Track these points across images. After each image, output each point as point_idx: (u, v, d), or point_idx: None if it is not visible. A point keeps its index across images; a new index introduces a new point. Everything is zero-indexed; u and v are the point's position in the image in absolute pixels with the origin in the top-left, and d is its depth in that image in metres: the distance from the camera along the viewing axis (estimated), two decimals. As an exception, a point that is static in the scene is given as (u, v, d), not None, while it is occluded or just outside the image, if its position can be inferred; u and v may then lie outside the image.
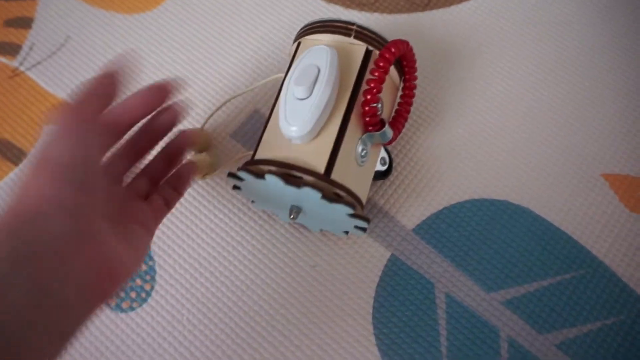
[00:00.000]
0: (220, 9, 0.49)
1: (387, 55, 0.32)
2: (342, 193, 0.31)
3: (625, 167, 0.42)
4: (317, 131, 0.31)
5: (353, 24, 0.34)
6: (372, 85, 0.31)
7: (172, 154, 0.35)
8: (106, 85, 0.27)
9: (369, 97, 0.31)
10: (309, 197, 0.31)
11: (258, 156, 0.33)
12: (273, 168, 0.31)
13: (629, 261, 0.39)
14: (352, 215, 0.32)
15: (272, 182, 0.31)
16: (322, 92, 0.30)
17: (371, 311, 0.38)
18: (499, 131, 0.43)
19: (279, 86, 0.45)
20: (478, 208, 0.41)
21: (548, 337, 0.37)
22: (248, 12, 0.49)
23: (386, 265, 0.39)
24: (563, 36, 0.47)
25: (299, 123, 0.30)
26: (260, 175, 0.31)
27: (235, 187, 0.36)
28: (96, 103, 0.27)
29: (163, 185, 0.34)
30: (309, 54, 0.33)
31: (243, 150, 0.43)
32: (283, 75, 0.39)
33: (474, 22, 0.48)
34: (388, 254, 0.39)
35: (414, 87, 0.37)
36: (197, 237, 0.40)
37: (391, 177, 0.42)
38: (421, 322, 0.37)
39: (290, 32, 0.47)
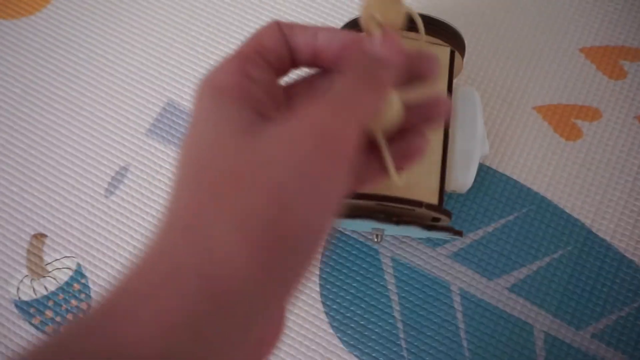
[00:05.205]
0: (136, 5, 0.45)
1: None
2: (442, 216, 0.31)
3: (555, 96, 0.40)
4: None
5: None
6: None
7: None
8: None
9: None
10: (408, 227, 0.30)
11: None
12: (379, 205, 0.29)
13: (570, 190, 0.38)
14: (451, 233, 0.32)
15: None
16: None
17: (318, 289, 0.36)
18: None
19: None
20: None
21: (499, 282, 0.36)
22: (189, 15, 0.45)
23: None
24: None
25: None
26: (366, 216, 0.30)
27: None
28: None
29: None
30: None
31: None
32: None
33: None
34: (328, 227, 0.38)
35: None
36: (123, 248, 0.38)
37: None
38: (370, 290, 0.36)
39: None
